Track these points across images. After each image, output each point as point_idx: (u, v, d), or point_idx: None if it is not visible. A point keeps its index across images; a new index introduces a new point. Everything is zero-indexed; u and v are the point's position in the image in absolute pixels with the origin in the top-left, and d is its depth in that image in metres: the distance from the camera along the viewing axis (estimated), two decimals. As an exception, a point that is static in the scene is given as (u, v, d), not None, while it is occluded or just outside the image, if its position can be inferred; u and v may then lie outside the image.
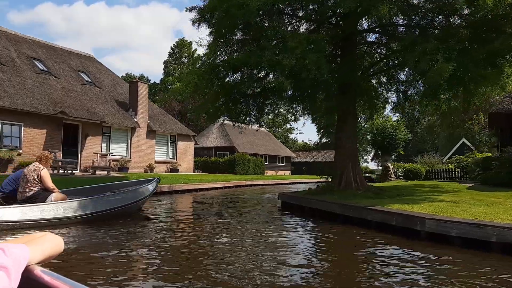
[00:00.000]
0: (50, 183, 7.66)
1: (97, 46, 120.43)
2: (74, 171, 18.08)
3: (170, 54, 72.36)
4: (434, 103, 13.37)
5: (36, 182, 7.51)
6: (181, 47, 71.54)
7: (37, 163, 7.74)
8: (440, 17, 11.41)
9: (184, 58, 72.13)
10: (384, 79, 14.85)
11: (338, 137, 12.30)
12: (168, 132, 25.86)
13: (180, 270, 4.72)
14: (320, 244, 6.65)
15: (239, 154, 33.79)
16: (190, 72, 10.57)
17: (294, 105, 12.94)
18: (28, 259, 1.12)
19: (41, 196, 7.46)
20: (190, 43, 72.08)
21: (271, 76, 12.45)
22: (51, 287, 1.07)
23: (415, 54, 9.52)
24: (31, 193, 7.43)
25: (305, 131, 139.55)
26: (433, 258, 5.27)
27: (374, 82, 15.00)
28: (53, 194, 7.63)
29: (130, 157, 23.00)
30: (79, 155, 20.01)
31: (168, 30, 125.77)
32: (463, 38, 9.57)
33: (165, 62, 71.86)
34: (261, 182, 26.89)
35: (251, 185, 24.88)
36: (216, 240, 6.59)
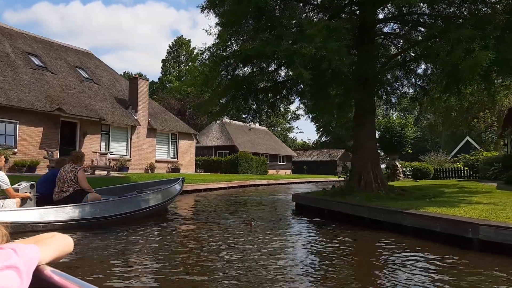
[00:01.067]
0: (86, 184, 7.65)
1: (94, 46, 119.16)
2: (72, 171, 17.26)
3: (168, 52, 71.42)
4: (456, 97, 12.63)
5: (73, 183, 7.46)
6: (180, 45, 70.62)
7: (72, 163, 7.69)
8: (466, 4, 10.63)
9: (182, 57, 71.20)
10: (400, 73, 14.05)
11: (357, 135, 11.50)
12: (169, 130, 25.00)
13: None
14: (359, 255, 5.84)
15: (242, 153, 32.92)
16: (200, 64, 9.71)
17: (306, 100, 12.10)
18: (39, 259, 1.12)
19: (78, 197, 7.46)
20: (189, 41, 71.23)
21: (282, 69, 11.68)
22: (61, 287, 1.07)
23: (447, 42, 8.75)
24: (68, 193, 7.40)
25: (305, 130, 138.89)
26: (503, 275, 4.46)
27: (389, 77, 14.21)
28: (89, 194, 7.64)
29: (130, 157, 22.13)
30: (77, 154, 19.13)
31: (165, 30, 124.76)
32: (500, 25, 8.77)
33: (163, 60, 70.91)
34: (264, 182, 26.08)
35: (255, 185, 24.07)
36: (237, 246, 5.77)
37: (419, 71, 13.75)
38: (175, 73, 68.60)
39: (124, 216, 7.88)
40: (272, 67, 10.93)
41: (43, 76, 19.49)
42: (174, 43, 70.83)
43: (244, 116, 12.37)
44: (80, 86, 21.14)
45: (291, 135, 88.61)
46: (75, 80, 21.31)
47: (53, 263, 1.21)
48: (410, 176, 25.96)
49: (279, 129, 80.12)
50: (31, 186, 7.36)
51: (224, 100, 11.73)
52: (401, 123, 25.16)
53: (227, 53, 10.15)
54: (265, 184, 25.59)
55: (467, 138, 45.04)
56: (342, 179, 14.04)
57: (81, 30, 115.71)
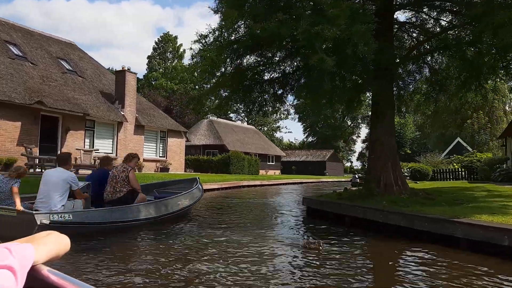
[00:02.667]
0: (137, 184, 7.70)
1: (77, 42, 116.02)
2: (53, 170, 15.75)
3: (154, 49, 69.64)
4: (477, 91, 11.70)
5: (125, 183, 7.45)
6: (166, 41, 68.93)
7: (124, 163, 7.73)
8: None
9: (168, 53, 69.53)
10: (413, 67, 13.03)
11: (374, 132, 10.40)
12: (157, 127, 23.60)
13: None
14: (433, 277, 4.70)
15: (234, 153, 31.63)
16: (203, 49, 8.45)
17: (327, 93, 10.93)
18: (34, 259, 1.08)
19: (130, 197, 7.45)
20: (175, 37, 69.61)
21: (292, 57, 10.49)
22: (57, 287, 1.05)
23: (485, 27, 7.73)
24: (121, 194, 7.40)
25: (292, 130, 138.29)
26: None
27: (400, 71, 13.18)
28: (139, 194, 7.65)
29: (116, 155, 20.66)
30: (59, 151, 17.63)
31: (150, 27, 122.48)
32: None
33: (149, 57, 69.11)
34: (258, 182, 24.91)
35: (248, 186, 22.88)
36: (252, 259, 4.58)
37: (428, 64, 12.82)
38: (161, 70, 66.88)
39: (166, 216, 7.98)
40: (280, 56, 9.72)
41: (22, 66, 17.92)
42: (160, 39, 69.14)
43: (247, 110, 11.09)
44: (63, 78, 19.61)
45: (277, 134, 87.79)
46: (57, 72, 19.76)
47: (50, 263, 1.16)
48: (408, 178, 25.11)
49: (266, 129, 79.12)
50: (88, 186, 7.28)
51: (225, 92, 10.49)
52: (400, 122, 24.26)
53: (235, 36, 8.91)
54: (259, 185, 24.42)
55: (458, 139, 44.71)
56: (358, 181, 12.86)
57: (64, 26, 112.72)
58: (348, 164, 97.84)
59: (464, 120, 46.18)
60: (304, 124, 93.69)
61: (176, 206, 8.34)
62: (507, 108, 51.19)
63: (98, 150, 18.49)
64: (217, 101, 11.03)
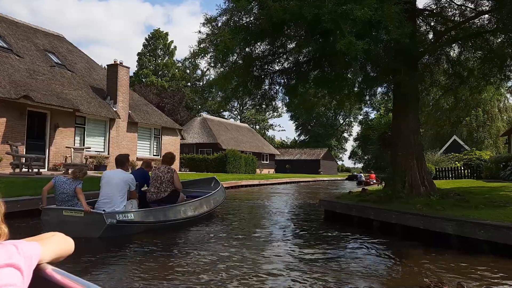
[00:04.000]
0: (180, 185, 7.85)
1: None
2: (41, 170, 14.55)
3: (144, 45, 68.18)
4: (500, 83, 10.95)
5: (170, 183, 7.62)
6: (157, 38, 67.52)
7: (166, 165, 7.88)
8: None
9: (159, 50, 68.14)
10: (430, 59, 12.16)
11: (397, 127, 9.48)
12: (151, 124, 22.48)
13: None
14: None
15: (230, 151, 30.54)
16: (213, 33, 7.45)
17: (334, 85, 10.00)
18: (40, 258, 1.11)
19: (173, 197, 7.63)
20: (166, 34, 68.26)
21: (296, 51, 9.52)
22: (62, 286, 1.06)
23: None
24: (166, 193, 7.58)
25: (286, 128, 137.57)
26: None
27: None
28: (180, 194, 7.90)
29: (108, 153, 19.54)
30: (47, 150, 16.49)
31: (140, 25, 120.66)
32: None
33: (139, 54, 67.56)
34: (256, 182, 23.96)
35: (247, 186, 21.92)
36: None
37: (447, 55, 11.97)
38: (151, 67, 65.48)
39: (202, 215, 8.16)
40: (299, 39, 8.72)
41: (7, 59, 16.70)
42: (150, 35, 67.71)
43: (255, 104, 10.11)
44: (51, 72, 18.41)
45: (269, 133, 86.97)
46: (45, 65, 18.56)
47: (54, 263, 1.17)
48: (411, 176, 24.34)
49: (257, 127, 78.32)
50: (136, 186, 7.26)
51: (233, 83, 9.50)
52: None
53: (247, 20, 7.91)
54: (257, 185, 23.48)
55: (454, 137, 44.22)
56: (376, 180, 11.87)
57: (51, 24, 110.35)
58: (340, 162, 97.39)
59: (459, 118, 45.73)
60: (296, 123, 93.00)
61: (209, 205, 8.59)
62: (501, 105, 50.97)
63: (90, 148, 17.35)
64: (220, 93, 10.04)
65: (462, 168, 26.47)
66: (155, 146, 23.09)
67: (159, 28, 70.27)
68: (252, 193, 17.93)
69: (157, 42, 67.32)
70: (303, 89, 10.11)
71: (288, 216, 10.01)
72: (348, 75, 9.02)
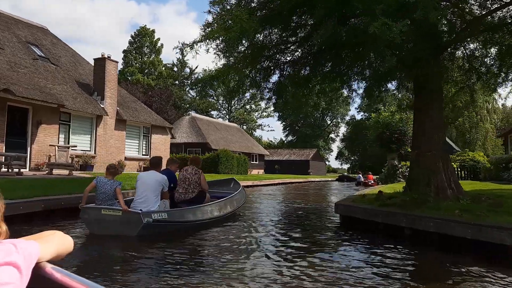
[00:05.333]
0: (207, 186, 8.07)
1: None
2: (22, 170, 13.35)
3: (130, 43, 66.58)
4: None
5: (197, 184, 7.81)
6: (143, 35, 66.00)
7: (193, 166, 8.02)
8: None
9: (145, 48, 66.65)
10: (444, 54, 11.39)
11: (421, 124, 8.67)
12: (141, 122, 21.34)
13: None
14: None
15: (222, 151, 29.47)
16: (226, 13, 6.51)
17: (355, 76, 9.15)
18: (39, 256, 1.11)
19: (200, 197, 7.80)
20: (153, 31, 66.80)
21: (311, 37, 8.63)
22: (62, 284, 1.07)
23: None
24: (193, 194, 7.76)
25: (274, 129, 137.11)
26: None
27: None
28: (207, 195, 8.07)
29: (95, 152, 18.37)
30: (29, 148, 15.28)
31: (125, 24, 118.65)
32: None
33: (124, 51, 65.94)
34: (250, 183, 23.00)
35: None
36: None
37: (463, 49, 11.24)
38: (137, 64, 63.95)
39: (228, 215, 8.36)
40: (323, 19, 7.81)
41: (-15, 49, 15.45)
42: (137, 32, 66.14)
43: (264, 97, 9.20)
44: (34, 65, 17.18)
45: (256, 133, 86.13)
46: (27, 58, 17.31)
47: (54, 261, 1.18)
48: (409, 178, 23.76)
49: (245, 128, 77.44)
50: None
51: (237, 74, 8.56)
52: (403, 118, 22.87)
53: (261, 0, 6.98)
54: (251, 186, 22.53)
55: (445, 138, 43.98)
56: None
57: (35, 20, 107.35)
58: (326, 163, 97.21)
59: (448, 119, 45.55)
60: (284, 123, 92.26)
61: (233, 205, 8.75)
62: (489, 107, 51.09)
63: (76, 146, 16.18)
64: (222, 87, 9.07)
65: (458, 169, 26.05)
66: (144, 145, 21.96)
67: (146, 25, 68.54)
68: (249, 195, 16.98)
69: (143, 40, 65.84)
70: (315, 81, 9.23)
71: (300, 222, 9.13)
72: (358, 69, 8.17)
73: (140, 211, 6.24)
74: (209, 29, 6.50)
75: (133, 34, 66.64)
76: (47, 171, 13.78)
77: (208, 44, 6.41)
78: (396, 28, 5.73)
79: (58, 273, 1.09)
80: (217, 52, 7.16)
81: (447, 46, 8.62)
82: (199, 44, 6.42)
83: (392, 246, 6.14)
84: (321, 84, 9.99)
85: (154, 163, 7.37)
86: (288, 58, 8.72)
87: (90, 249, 5.76)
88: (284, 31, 7.97)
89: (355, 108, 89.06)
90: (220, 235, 6.94)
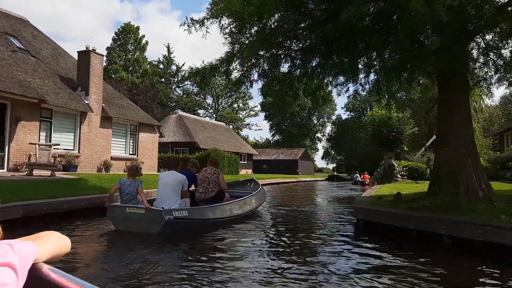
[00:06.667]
0: (225, 185, 8.48)
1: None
2: (-1, 170, 12.17)
3: (114, 39, 64.90)
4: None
5: (216, 184, 8.17)
6: (127, 32, 64.37)
7: (213, 167, 8.40)
8: None
9: (130, 45, 65.04)
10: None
11: (448, 121, 7.84)
12: (128, 120, 20.17)
13: None
14: None
15: (213, 150, 28.38)
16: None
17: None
18: (35, 257, 1.10)
19: (220, 196, 8.13)
20: (137, 28, 65.25)
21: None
22: (58, 285, 1.06)
23: None
24: (213, 193, 8.11)
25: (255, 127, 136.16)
26: None
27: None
28: (226, 194, 8.44)
29: (79, 152, 17.17)
30: (7, 147, 14.04)
31: (107, 21, 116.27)
32: None
33: (108, 48, 64.21)
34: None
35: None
36: None
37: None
38: (121, 62, 62.32)
39: (247, 213, 8.63)
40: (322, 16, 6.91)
41: (-42, 39, 14.16)
42: (120, 29, 64.46)
43: (274, 87, 8.27)
44: (12, 58, 15.91)
45: (243, 132, 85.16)
46: (5, 50, 16.02)
47: (50, 262, 1.17)
48: (405, 177, 23.16)
49: (231, 127, 76.45)
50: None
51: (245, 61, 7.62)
52: (399, 116, 22.21)
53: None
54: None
55: (434, 137, 43.81)
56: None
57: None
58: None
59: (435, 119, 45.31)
60: (270, 122, 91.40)
61: (252, 204, 8.99)
62: (477, 106, 51.13)
63: (58, 145, 14.98)
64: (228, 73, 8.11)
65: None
66: (131, 144, 20.78)
67: (130, 21, 66.98)
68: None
69: (127, 37, 64.24)
70: (328, 72, 8.34)
71: (316, 225, 8.24)
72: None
73: (162, 209, 6.47)
74: (221, 5, 5.53)
75: (116, 31, 65.07)
76: (26, 172, 12.60)
77: (220, 19, 5.46)
78: (442, 4, 4.87)
79: (54, 274, 1.08)
80: (228, 32, 6.21)
81: (477, 32, 7.82)
82: (210, 20, 5.46)
83: (432, 257, 5.30)
84: (333, 76, 9.14)
85: (172, 163, 7.72)
86: (300, 45, 7.81)
87: (115, 245, 6.15)
88: (299, 14, 7.06)
89: (341, 107, 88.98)
90: (238, 234, 6.97)
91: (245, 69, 7.69)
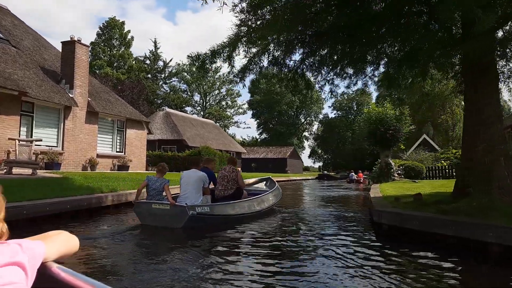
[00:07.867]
0: (243, 183, 8.82)
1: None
2: (-26, 168, 11.06)
3: (98, 35, 63.20)
4: None
5: (235, 182, 8.43)
6: (112, 27, 62.74)
7: (231, 165, 8.68)
8: None
9: (115, 40, 63.43)
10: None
11: (478, 115, 7.09)
12: (115, 115, 19.10)
13: None
14: None
15: (204, 148, 27.36)
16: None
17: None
18: (44, 256, 1.10)
19: (238, 193, 8.41)
20: (123, 23, 63.67)
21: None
22: (67, 284, 1.05)
23: None
24: (231, 191, 8.36)
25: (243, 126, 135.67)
26: None
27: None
28: (244, 191, 8.69)
29: (62, 149, 16.08)
30: (-16, 143, 12.92)
31: (91, 18, 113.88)
32: None
33: (92, 43, 62.40)
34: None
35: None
36: None
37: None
38: (106, 58, 60.70)
39: (264, 210, 8.87)
40: None
41: None
42: (105, 24, 62.80)
43: (279, 78, 7.44)
44: (-10, 47, 14.75)
45: (229, 131, 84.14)
46: (-18, 38, 14.87)
47: (59, 260, 1.15)
48: (402, 176, 22.58)
49: (218, 124, 75.45)
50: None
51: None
52: (396, 114, 21.59)
53: None
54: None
55: (424, 136, 43.67)
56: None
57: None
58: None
59: (425, 118, 45.26)
60: (258, 121, 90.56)
61: (269, 201, 9.24)
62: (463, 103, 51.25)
63: (40, 140, 13.88)
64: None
65: (447, 167, 25.15)
66: (118, 141, 19.71)
67: (115, 16, 65.33)
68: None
69: (112, 32, 62.60)
70: (342, 62, 7.54)
71: (333, 229, 7.46)
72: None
73: (185, 205, 6.78)
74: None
75: (101, 26, 63.40)
76: (5, 170, 11.53)
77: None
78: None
79: (63, 273, 1.07)
80: (240, 10, 5.36)
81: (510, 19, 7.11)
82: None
83: (481, 269, 4.55)
84: (342, 67, 8.36)
85: (194, 162, 8.29)
86: (314, 30, 6.98)
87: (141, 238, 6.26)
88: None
89: (329, 106, 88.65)
90: (257, 230, 7.15)
91: (251, 55, 6.83)
